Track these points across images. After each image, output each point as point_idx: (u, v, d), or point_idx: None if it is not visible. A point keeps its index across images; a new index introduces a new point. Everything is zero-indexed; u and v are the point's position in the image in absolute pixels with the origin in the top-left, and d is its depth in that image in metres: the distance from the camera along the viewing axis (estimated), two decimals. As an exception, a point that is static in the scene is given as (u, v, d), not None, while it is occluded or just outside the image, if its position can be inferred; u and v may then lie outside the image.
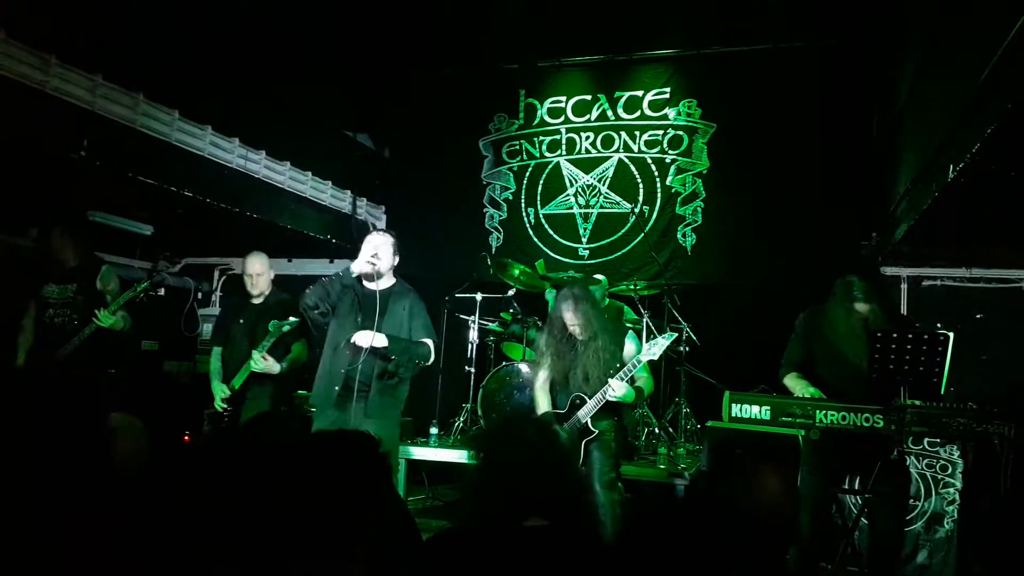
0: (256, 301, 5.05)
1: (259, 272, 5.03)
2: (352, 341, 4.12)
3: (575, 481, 2.16)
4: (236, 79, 6.16)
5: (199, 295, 8.06)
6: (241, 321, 4.96)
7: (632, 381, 4.27)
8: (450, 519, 5.63)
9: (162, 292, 7.85)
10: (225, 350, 4.99)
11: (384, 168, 8.67)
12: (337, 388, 4.17)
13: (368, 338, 4.07)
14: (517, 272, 6.72)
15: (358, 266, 4.19)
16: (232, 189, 6.23)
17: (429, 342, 4.36)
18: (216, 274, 8.42)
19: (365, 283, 4.30)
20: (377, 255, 4.21)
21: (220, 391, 4.84)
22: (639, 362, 4.27)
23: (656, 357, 4.31)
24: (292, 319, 4.64)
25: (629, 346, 4.43)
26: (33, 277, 5.02)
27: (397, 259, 4.37)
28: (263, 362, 4.66)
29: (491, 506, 2.02)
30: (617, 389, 4.14)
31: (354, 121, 8.19)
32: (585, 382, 4.30)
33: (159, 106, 5.54)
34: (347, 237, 7.63)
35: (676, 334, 5.10)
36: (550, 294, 6.52)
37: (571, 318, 4.34)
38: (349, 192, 7.96)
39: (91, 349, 4.79)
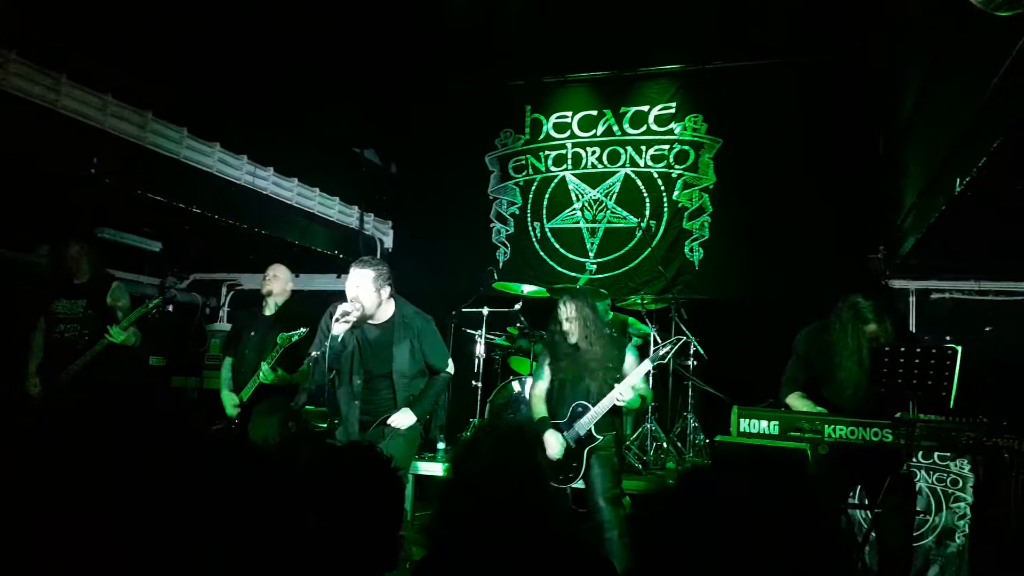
0: (268, 313, 5.07)
1: (276, 275, 5.07)
2: (390, 424, 4.07)
3: (542, 487, 2.16)
4: (244, 97, 6.22)
5: (207, 311, 8.10)
6: (252, 333, 4.99)
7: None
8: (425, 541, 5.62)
9: (170, 308, 7.89)
10: (236, 361, 5.02)
11: (391, 184, 8.70)
12: (364, 420, 4.10)
13: (403, 421, 4.08)
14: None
15: (338, 328, 3.87)
16: (240, 205, 6.28)
17: (448, 369, 4.35)
18: (224, 290, 8.46)
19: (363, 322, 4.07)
20: (353, 304, 3.89)
21: (230, 400, 4.87)
22: (649, 365, 4.33)
23: (665, 360, 4.39)
24: (300, 330, 4.60)
25: (629, 359, 4.41)
26: (43, 293, 5.05)
27: (387, 289, 4.01)
28: (272, 374, 4.68)
29: (456, 520, 2.02)
30: (626, 393, 4.18)
31: (361, 137, 8.22)
32: (586, 390, 4.31)
33: (168, 124, 5.60)
34: (354, 252, 7.65)
35: (683, 338, 5.13)
36: None
37: (566, 319, 4.34)
38: (356, 208, 8.01)
39: (100, 364, 4.80)
